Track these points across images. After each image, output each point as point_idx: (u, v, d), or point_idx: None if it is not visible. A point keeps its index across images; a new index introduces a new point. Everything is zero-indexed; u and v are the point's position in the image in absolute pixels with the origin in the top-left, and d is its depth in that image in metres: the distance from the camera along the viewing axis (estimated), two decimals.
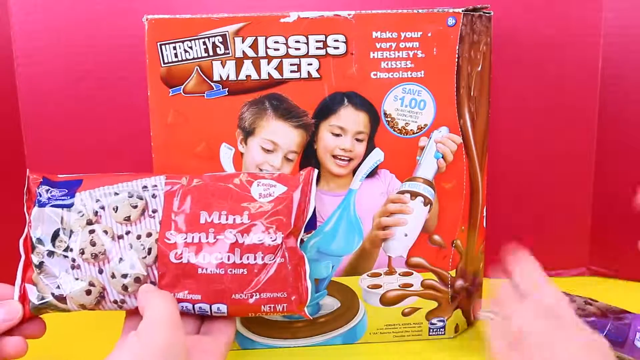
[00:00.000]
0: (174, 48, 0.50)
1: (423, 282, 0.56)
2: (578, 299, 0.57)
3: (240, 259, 0.44)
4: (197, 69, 0.51)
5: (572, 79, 0.67)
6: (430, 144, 0.53)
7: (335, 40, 0.51)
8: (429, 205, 0.54)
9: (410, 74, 0.52)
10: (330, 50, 0.51)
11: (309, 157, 0.53)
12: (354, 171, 0.53)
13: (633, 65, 0.66)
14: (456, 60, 0.51)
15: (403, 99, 0.52)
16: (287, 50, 0.50)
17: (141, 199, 0.46)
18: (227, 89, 0.51)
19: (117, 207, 0.45)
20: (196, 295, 0.44)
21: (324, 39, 0.50)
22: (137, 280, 0.44)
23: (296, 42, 0.50)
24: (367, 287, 0.56)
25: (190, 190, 0.46)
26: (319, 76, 0.51)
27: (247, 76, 0.51)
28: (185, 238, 0.44)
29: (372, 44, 0.51)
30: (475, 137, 0.55)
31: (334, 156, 0.53)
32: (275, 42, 0.50)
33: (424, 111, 0.52)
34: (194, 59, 0.50)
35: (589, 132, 0.69)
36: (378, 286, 0.56)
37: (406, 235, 0.55)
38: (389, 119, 0.52)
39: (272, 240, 0.44)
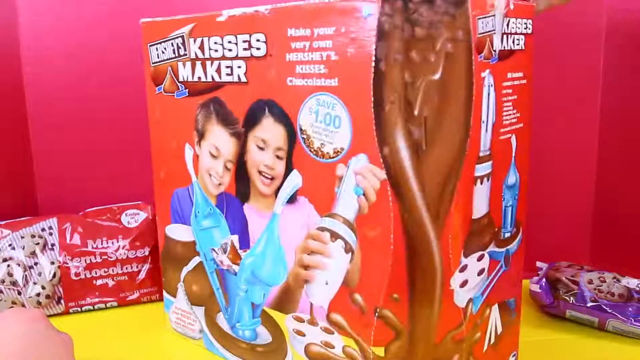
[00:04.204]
0: (156, 49, 0.53)
1: (344, 349, 0.44)
2: (607, 275, 0.61)
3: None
4: (169, 69, 0.52)
5: (573, 78, 0.68)
6: (348, 174, 0.40)
7: (257, 40, 0.44)
8: (350, 252, 0.42)
9: (324, 82, 0.40)
10: (254, 52, 0.44)
11: (241, 169, 0.48)
12: (277, 192, 0.45)
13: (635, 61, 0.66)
14: (373, 64, 0.37)
15: (317, 112, 0.41)
16: (223, 52, 0.47)
17: (41, 237, 0.64)
18: (187, 89, 0.51)
19: (24, 246, 0.64)
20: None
21: (249, 39, 0.44)
22: (47, 297, 0.63)
23: (229, 42, 0.46)
24: (293, 330, 0.47)
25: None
26: (246, 80, 0.46)
27: (198, 77, 0.50)
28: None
29: (288, 43, 0.42)
30: (421, 174, 0.38)
31: (260, 172, 0.46)
32: (214, 43, 0.47)
33: (340, 130, 0.40)
34: (167, 59, 0.52)
35: (590, 131, 0.70)
36: (302, 333, 0.47)
37: (327, 283, 0.44)
38: (305, 136, 0.42)
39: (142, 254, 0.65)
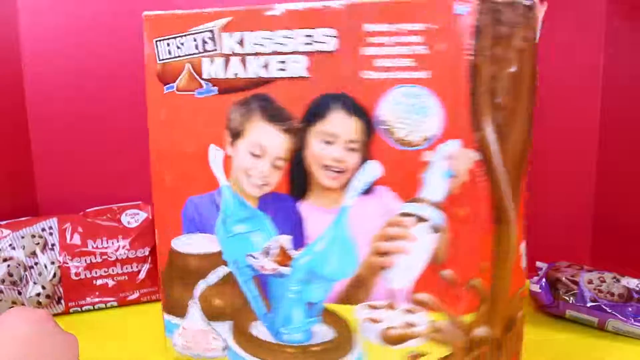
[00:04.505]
0: (168, 44, 0.49)
1: (431, 323, 0.46)
2: (607, 275, 0.61)
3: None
4: (188, 66, 0.48)
5: (573, 78, 0.69)
6: (437, 159, 0.43)
7: (324, 35, 0.44)
8: (437, 232, 0.45)
9: (411, 74, 0.43)
10: (319, 46, 0.44)
11: (298, 165, 0.47)
12: (348, 185, 0.46)
13: (635, 61, 0.66)
14: (468, 58, 0.41)
15: (402, 103, 0.43)
16: (274, 47, 0.46)
17: (41, 237, 0.64)
18: (216, 87, 0.48)
19: (24, 246, 0.63)
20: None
21: (313, 34, 0.44)
22: (47, 296, 0.63)
23: (283, 37, 0.45)
24: (365, 319, 0.48)
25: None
26: (307, 75, 0.45)
27: (235, 74, 0.47)
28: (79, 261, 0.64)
29: (365, 38, 0.43)
30: (504, 154, 0.43)
31: (325, 166, 0.46)
32: (262, 38, 0.46)
33: (429, 119, 0.43)
34: (185, 55, 0.48)
35: (590, 131, 0.71)
36: (377, 320, 0.48)
37: (409, 265, 0.46)
38: (386, 127, 0.44)
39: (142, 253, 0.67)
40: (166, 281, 0.53)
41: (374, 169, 0.45)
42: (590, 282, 0.61)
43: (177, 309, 0.53)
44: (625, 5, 0.65)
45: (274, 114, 0.47)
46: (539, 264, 0.66)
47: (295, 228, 0.48)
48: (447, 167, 0.43)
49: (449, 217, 0.44)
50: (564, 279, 0.62)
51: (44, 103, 0.71)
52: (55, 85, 0.70)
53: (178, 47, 0.48)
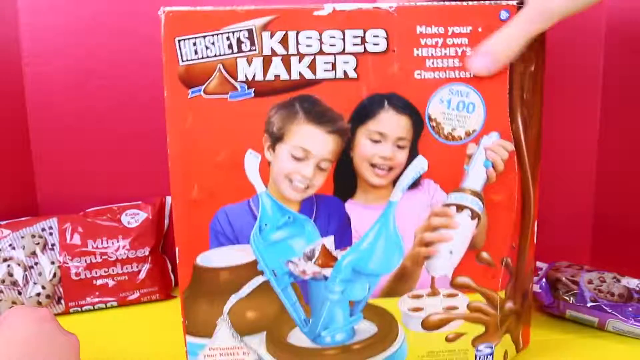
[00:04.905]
0: (194, 44, 0.45)
1: (469, 305, 0.50)
2: (607, 275, 0.61)
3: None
4: (220, 67, 0.45)
5: (573, 78, 0.69)
6: (479, 151, 0.47)
7: (374, 36, 0.45)
8: (476, 219, 0.49)
9: (458, 74, 0.46)
10: (369, 47, 0.45)
11: (344, 165, 0.47)
12: (394, 182, 0.48)
13: (635, 61, 0.66)
14: None
15: (450, 101, 0.46)
16: (321, 47, 0.45)
17: (41, 237, 0.64)
18: (253, 89, 0.46)
19: (24, 246, 0.63)
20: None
21: (362, 35, 0.45)
22: (47, 297, 0.63)
23: (331, 37, 0.45)
24: (408, 310, 0.50)
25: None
26: (356, 76, 0.46)
27: (275, 76, 0.45)
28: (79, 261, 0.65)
29: (417, 39, 0.45)
30: (528, 144, 0.49)
31: (373, 165, 0.47)
32: (307, 38, 0.45)
33: (473, 115, 0.47)
34: (216, 56, 0.45)
35: (590, 131, 0.70)
36: (419, 309, 0.50)
37: (451, 252, 0.49)
38: (434, 124, 0.47)
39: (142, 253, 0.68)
40: (189, 302, 0.49)
41: (421, 164, 0.47)
42: (590, 282, 0.61)
43: (202, 329, 0.49)
44: (625, 5, 0.65)
45: (321, 116, 0.46)
46: (539, 264, 0.65)
47: (341, 228, 0.48)
48: (486, 158, 0.47)
49: (486, 203, 0.49)
50: (564, 279, 0.62)
51: (44, 102, 0.68)
52: (56, 85, 0.66)
53: (207, 47, 0.45)
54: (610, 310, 0.58)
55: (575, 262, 0.66)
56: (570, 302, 0.60)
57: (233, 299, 0.49)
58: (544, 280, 0.61)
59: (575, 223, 0.71)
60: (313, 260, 0.48)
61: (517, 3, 0.45)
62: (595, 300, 0.59)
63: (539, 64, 0.49)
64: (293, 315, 0.50)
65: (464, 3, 0.45)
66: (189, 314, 0.49)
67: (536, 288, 0.61)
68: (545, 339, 0.59)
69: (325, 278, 0.49)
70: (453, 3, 0.45)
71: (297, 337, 0.50)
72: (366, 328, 0.51)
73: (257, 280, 0.49)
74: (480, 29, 0.45)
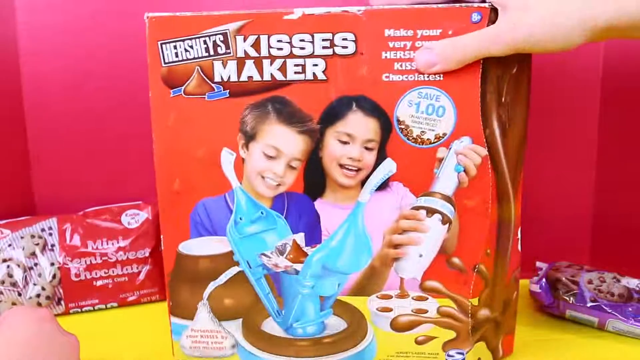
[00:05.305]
0: (175, 47, 0.48)
1: (439, 309, 0.50)
2: (607, 275, 0.61)
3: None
4: (197, 69, 0.48)
5: (574, 76, 0.68)
6: (449, 155, 0.47)
7: (343, 39, 0.46)
8: (447, 224, 0.48)
9: (427, 77, 0.46)
10: (338, 50, 0.46)
11: (313, 165, 0.49)
12: (363, 182, 0.48)
13: (635, 62, 0.66)
14: (481, 61, 0.45)
15: (419, 104, 0.46)
16: (291, 50, 0.47)
17: (41, 237, 0.64)
18: (228, 90, 0.48)
19: (23, 247, 0.63)
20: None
21: (331, 38, 0.46)
22: (47, 298, 0.63)
23: (301, 40, 0.46)
24: (377, 309, 0.51)
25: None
26: (325, 78, 0.47)
27: (249, 77, 0.48)
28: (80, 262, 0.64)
29: (385, 42, 0.46)
30: (507, 150, 0.48)
31: (341, 165, 0.48)
32: (278, 41, 0.47)
33: (443, 119, 0.46)
34: (194, 58, 0.48)
35: (590, 131, 0.70)
36: (388, 309, 0.51)
37: (421, 255, 0.49)
38: (403, 127, 0.47)
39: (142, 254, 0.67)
40: (173, 285, 0.53)
41: (389, 167, 0.48)
42: (590, 282, 0.61)
43: (184, 311, 0.53)
44: None
45: (291, 116, 0.48)
46: (539, 264, 0.65)
47: (311, 225, 0.50)
48: (457, 162, 0.47)
49: (458, 208, 0.48)
50: (564, 279, 0.62)
51: (42, 102, 0.69)
52: (54, 84, 0.68)
53: (186, 50, 0.48)
54: (610, 310, 0.58)
55: (575, 262, 0.66)
56: (570, 302, 0.60)
57: (211, 285, 0.52)
58: (544, 280, 0.61)
59: (575, 223, 0.71)
60: (285, 255, 0.50)
61: (490, 5, 0.44)
62: (595, 300, 0.59)
63: (522, 66, 0.48)
64: (267, 305, 0.52)
65: (434, 5, 0.45)
66: (173, 296, 0.53)
67: (536, 288, 0.61)
68: (545, 339, 0.59)
69: (297, 272, 0.50)
70: (423, 6, 0.45)
71: (271, 327, 0.53)
72: (336, 323, 0.52)
73: (233, 270, 0.52)
74: (450, 32, 0.45)
